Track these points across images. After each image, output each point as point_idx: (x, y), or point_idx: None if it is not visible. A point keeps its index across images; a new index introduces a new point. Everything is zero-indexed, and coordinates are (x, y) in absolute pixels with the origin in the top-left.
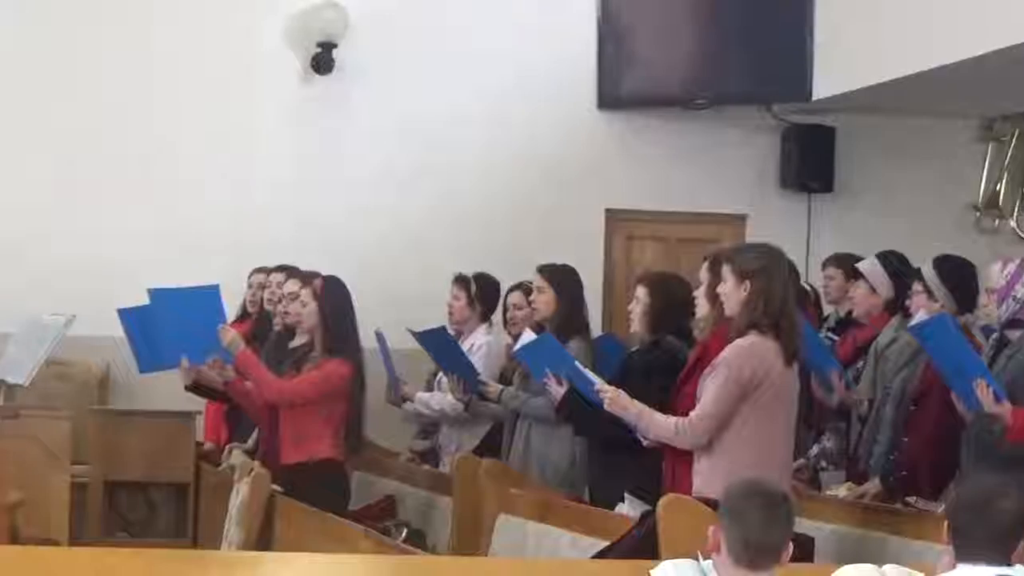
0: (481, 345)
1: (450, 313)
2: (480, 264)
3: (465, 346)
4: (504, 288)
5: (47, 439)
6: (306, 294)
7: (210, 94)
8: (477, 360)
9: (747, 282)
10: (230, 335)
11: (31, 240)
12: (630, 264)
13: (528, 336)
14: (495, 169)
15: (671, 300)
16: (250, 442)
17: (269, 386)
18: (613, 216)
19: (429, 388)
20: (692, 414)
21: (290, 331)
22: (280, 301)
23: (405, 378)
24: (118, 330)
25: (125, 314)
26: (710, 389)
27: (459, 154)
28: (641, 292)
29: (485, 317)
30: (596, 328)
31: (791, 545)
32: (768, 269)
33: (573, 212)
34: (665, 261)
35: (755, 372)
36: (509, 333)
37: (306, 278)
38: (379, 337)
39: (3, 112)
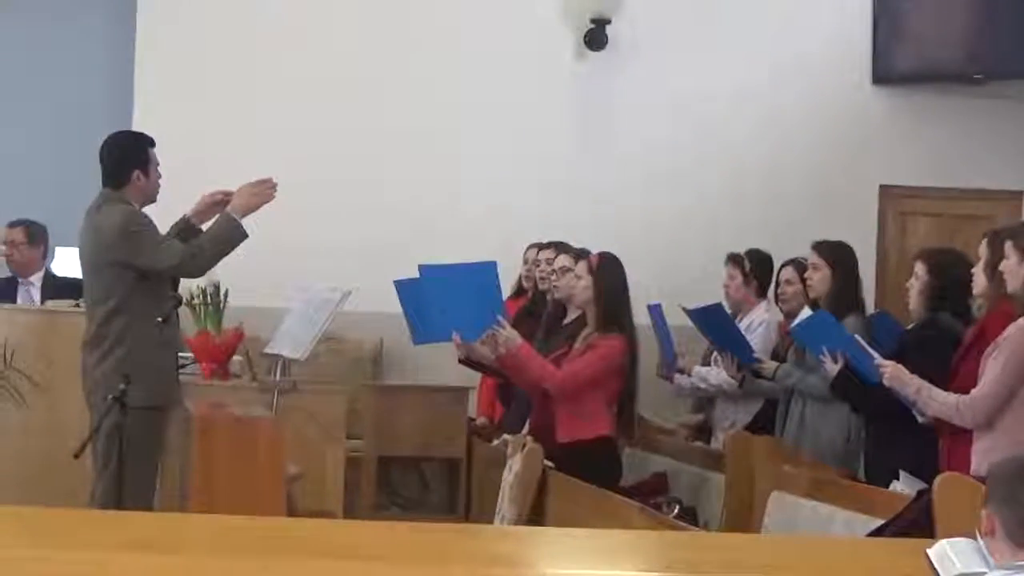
0: (762, 322)
1: (726, 293)
2: (754, 241)
3: (744, 324)
4: (776, 264)
5: (323, 414)
6: (580, 268)
7: (487, 70)
8: (757, 337)
9: None
10: (507, 330)
11: (308, 217)
12: (904, 241)
13: (805, 313)
14: (769, 146)
15: (950, 277)
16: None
17: (548, 377)
18: (887, 192)
19: (707, 363)
20: (973, 392)
21: (562, 307)
22: (552, 275)
23: (679, 358)
24: (391, 306)
25: (401, 286)
26: (992, 368)
27: (732, 131)
28: (920, 269)
29: (761, 293)
30: (870, 305)
31: None
32: None
33: (847, 188)
34: (939, 237)
35: None
36: (780, 309)
37: (579, 254)
38: (655, 310)
39: (290, 92)
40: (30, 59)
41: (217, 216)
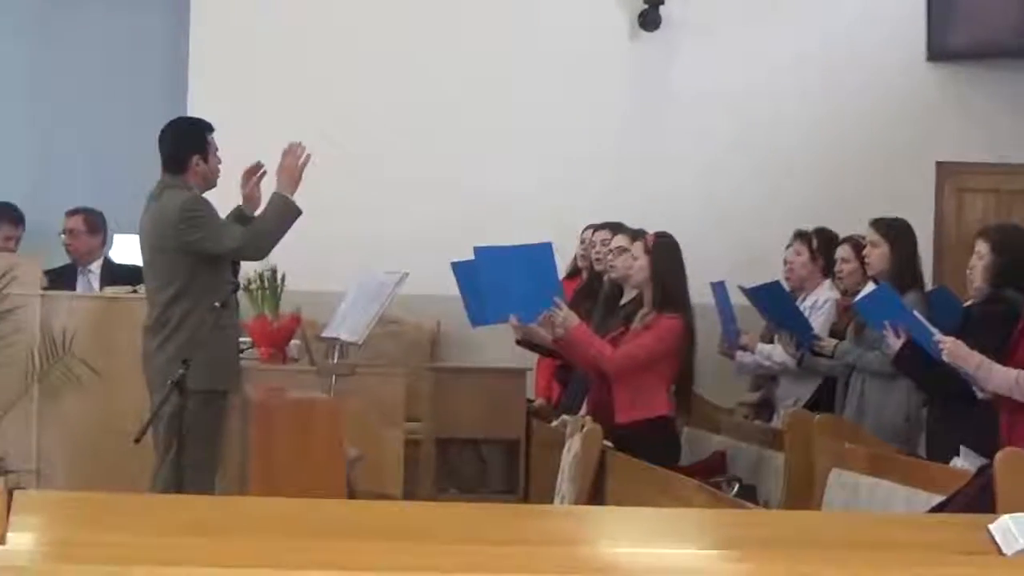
0: (827, 300)
1: (790, 269)
2: (809, 219)
3: (810, 302)
4: None
5: (381, 397)
6: (637, 248)
7: (540, 50)
8: (822, 315)
9: None
10: (564, 311)
11: (363, 200)
12: (961, 217)
13: (868, 288)
14: (823, 123)
15: (1014, 253)
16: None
17: (606, 358)
18: (944, 169)
19: (769, 342)
20: None
21: (618, 288)
22: (608, 256)
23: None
24: (448, 288)
25: (458, 268)
26: None
27: (787, 109)
28: (982, 247)
29: (827, 272)
30: (928, 282)
31: None
32: None
33: (903, 165)
34: (996, 213)
35: None
36: (837, 287)
37: (635, 234)
38: (719, 287)
39: (341, 76)
40: (87, 50)
41: (270, 197)
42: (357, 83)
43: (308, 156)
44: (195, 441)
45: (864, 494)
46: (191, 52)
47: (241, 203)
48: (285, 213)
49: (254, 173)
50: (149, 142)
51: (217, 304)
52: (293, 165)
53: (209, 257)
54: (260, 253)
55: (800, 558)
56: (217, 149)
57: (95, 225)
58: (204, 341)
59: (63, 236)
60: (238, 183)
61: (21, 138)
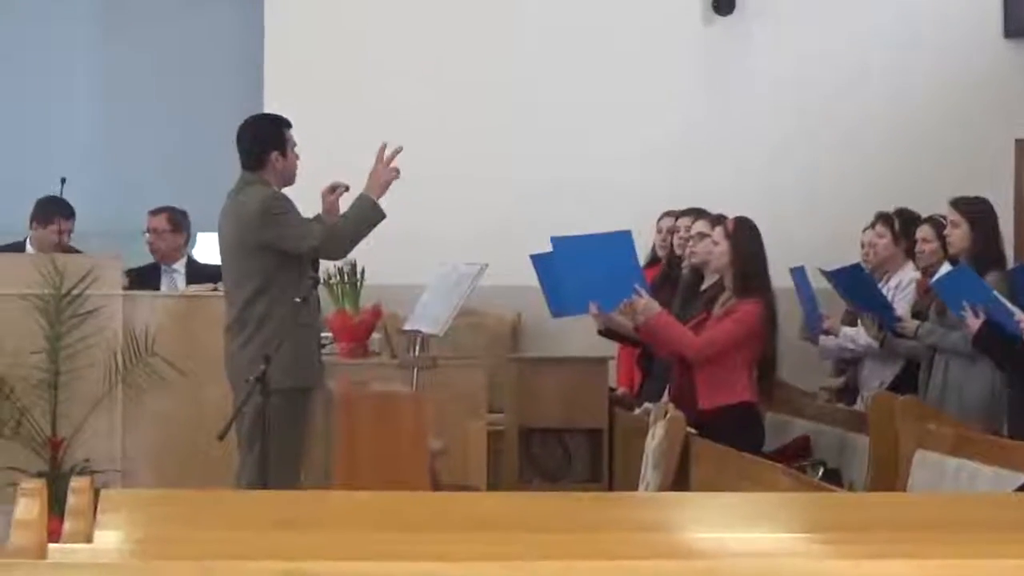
0: (911, 281)
1: (870, 251)
2: (888, 200)
3: (893, 283)
4: None
5: (463, 388)
6: (718, 233)
7: (614, 37)
8: (906, 296)
9: None
10: (645, 298)
11: (441, 192)
12: None
13: (944, 268)
14: (899, 103)
15: None
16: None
17: (688, 344)
18: (1023, 147)
19: (852, 326)
20: None
21: (698, 274)
22: (689, 241)
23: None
24: (528, 279)
25: (537, 260)
26: None
27: (862, 89)
28: None
29: (910, 253)
30: (1009, 261)
31: None
32: None
33: (982, 144)
34: None
35: None
36: (916, 267)
37: (715, 219)
38: (799, 273)
39: (416, 70)
40: (163, 50)
41: (356, 198)
42: (431, 76)
43: (399, 172)
44: (278, 439)
45: (949, 475)
46: (266, 48)
47: (321, 212)
48: (369, 216)
49: (334, 191)
50: (227, 140)
51: (298, 299)
52: (387, 173)
53: (289, 254)
54: (339, 253)
55: (888, 540)
56: (295, 145)
57: (179, 224)
58: (286, 338)
59: (147, 235)
60: (313, 181)
61: (99, 138)
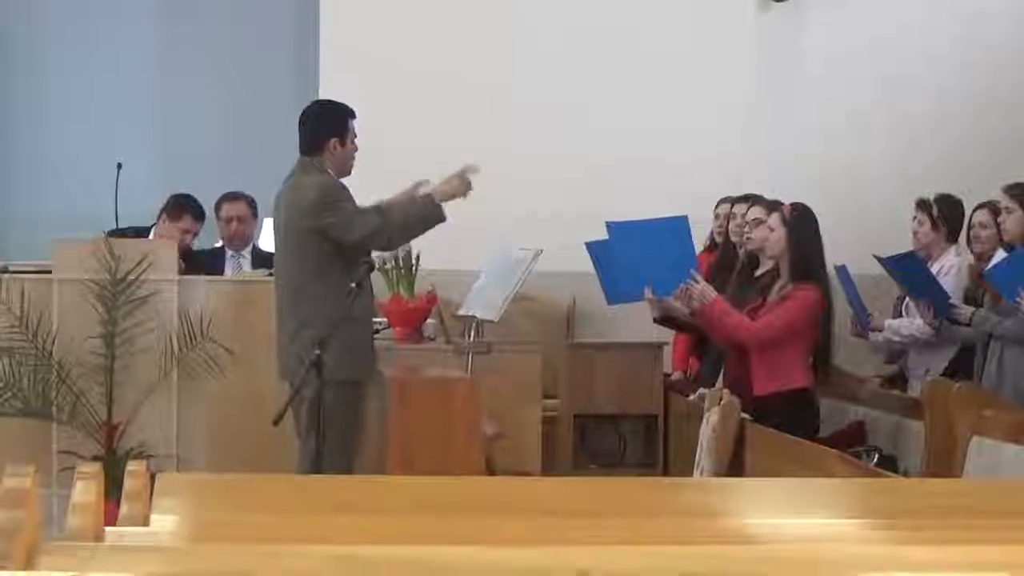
0: (952, 267)
1: (914, 238)
2: (942, 186)
3: (934, 269)
4: (970, 208)
5: (519, 374)
6: (774, 220)
7: (669, 21)
8: (948, 282)
9: None
10: (701, 284)
11: (495, 178)
12: None
13: (999, 256)
14: (953, 87)
15: None
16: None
17: (744, 330)
18: None
19: (897, 314)
20: None
21: (754, 260)
22: (745, 227)
23: (870, 306)
24: (583, 264)
25: (592, 247)
26: None
27: (917, 72)
28: None
29: (951, 238)
30: None
31: None
32: None
33: None
34: None
35: None
36: (972, 252)
37: (772, 206)
38: (842, 272)
39: (490, 51)
40: (220, 37)
41: (422, 197)
42: (485, 63)
43: (471, 188)
44: (334, 428)
45: (1006, 461)
46: (321, 36)
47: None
48: (429, 217)
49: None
50: (282, 128)
51: (352, 284)
52: (460, 186)
53: (340, 243)
54: (389, 247)
55: (945, 526)
56: (356, 137)
57: (256, 210)
58: (340, 327)
59: (231, 222)
60: (366, 168)
61: (155, 124)
